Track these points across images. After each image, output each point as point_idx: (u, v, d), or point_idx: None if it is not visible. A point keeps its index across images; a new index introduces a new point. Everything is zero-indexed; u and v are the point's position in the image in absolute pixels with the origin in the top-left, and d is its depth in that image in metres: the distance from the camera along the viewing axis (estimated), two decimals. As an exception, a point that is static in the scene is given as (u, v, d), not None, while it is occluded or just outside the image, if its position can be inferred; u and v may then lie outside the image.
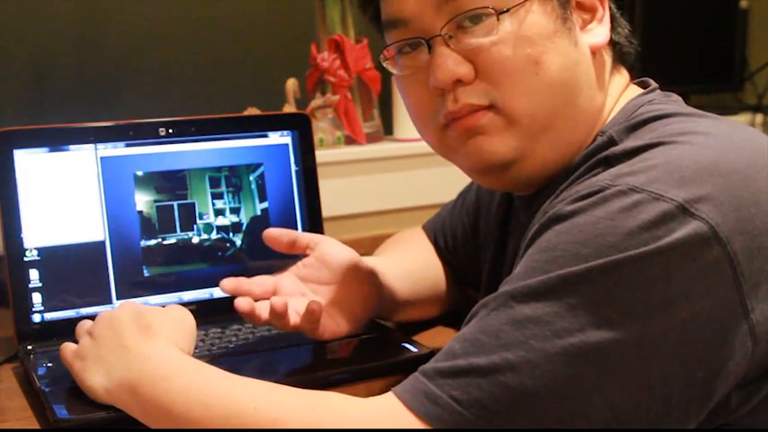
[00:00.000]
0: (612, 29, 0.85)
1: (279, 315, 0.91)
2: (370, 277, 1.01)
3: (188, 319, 0.87)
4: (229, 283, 0.94)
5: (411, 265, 1.10)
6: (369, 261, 1.03)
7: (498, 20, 0.78)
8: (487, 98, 0.79)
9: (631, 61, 0.88)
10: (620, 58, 0.87)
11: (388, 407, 0.68)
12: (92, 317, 0.87)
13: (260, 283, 0.96)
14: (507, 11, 0.78)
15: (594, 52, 0.82)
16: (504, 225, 0.98)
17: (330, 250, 1.00)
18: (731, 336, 0.65)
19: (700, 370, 0.65)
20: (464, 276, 1.13)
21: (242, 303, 0.91)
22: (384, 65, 0.86)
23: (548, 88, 0.79)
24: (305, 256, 1.01)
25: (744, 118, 2.08)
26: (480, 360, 0.65)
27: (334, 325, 0.96)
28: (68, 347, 0.85)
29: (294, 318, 0.92)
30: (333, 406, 0.70)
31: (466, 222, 1.11)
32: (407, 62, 0.84)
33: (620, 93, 0.85)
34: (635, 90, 0.86)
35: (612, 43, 0.86)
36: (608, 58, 0.85)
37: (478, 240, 1.07)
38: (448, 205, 1.17)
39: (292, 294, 0.96)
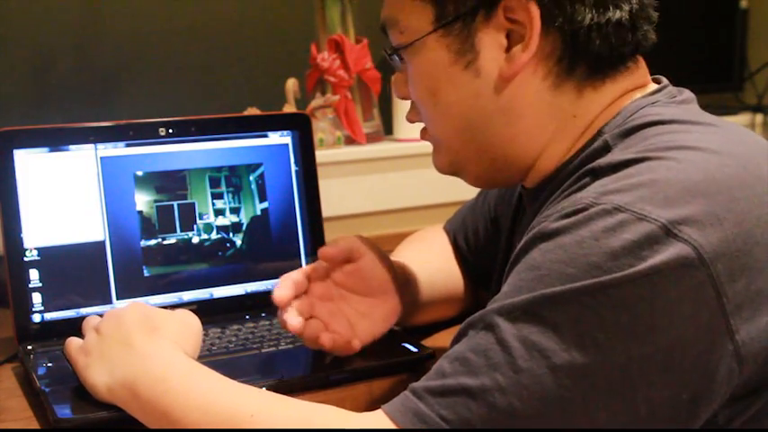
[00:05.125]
0: (587, 44, 0.77)
1: (313, 339, 0.92)
2: (399, 292, 0.98)
3: (195, 323, 0.88)
4: (281, 298, 0.92)
5: (430, 268, 1.09)
6: (396, 270, 1.00)
7: (403, 55, 0.84)
8: (420, 117, 0.87)
9: (621, 68, 0.80)
10: (600, 70, 0.79)
11: (378, 424, 0.68)
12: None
13: (298, 284, 0.94)
14: (409, 45, 0.82)
15: (515, 75, 0.78)
16: (515, 220, 0.98)
17: (370, 267, 0.97)
18: (716, 358, 0.65)
19: (685, 392, 0.65)
20: (485, 277, 1.08)
21: (294, 324, 0.91)
22: None
23: (447, 117, 0.83)
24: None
25: (744, 118, 2.08)
26: (470, 380, 0.66)
27: (358, 338, 0.94)
28: (74, 342, 0.86)
29: (324, 339, 0.91)
30: (327, 420, 0.71)
31: (488, 219, 1.09)
32: None
33: (613, 98, 0.80)
34: (642, 90, 0.81)
35: (587, 59, 0.78)
36: (552, 77, 0.78)
37: (500, 237, 1.05)
38: (469, 203, 1.15)
39: (321, 297, 0.95)
